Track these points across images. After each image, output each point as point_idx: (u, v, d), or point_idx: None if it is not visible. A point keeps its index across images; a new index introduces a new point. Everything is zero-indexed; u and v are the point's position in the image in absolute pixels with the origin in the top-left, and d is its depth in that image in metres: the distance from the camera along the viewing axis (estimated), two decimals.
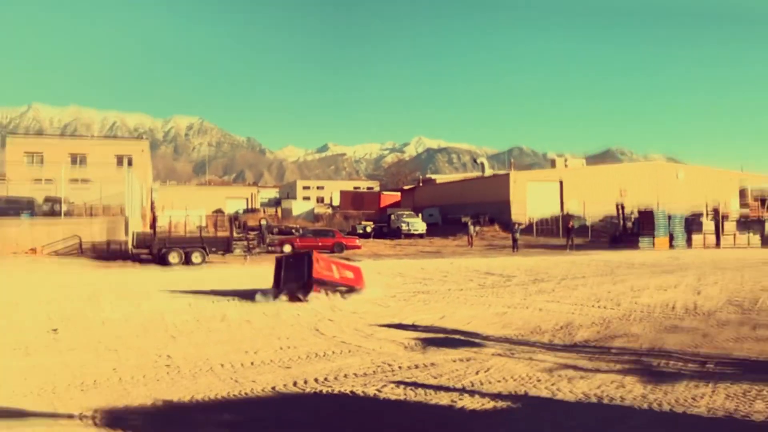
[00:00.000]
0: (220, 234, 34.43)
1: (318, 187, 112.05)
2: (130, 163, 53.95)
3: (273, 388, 7.36)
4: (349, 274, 14.88)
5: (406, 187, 77.05)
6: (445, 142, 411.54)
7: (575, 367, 8.11)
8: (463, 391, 7.08)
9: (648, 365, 8.27)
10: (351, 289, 14.57)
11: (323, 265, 14.27)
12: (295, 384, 7.51)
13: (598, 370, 7.97)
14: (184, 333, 10.89)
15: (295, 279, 14.23)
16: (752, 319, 11.65)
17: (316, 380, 7.64)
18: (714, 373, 7.79)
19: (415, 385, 7.38)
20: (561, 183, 54.16)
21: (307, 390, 7.31)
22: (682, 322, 11.47)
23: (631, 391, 6.99)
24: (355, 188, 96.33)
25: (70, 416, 6.37)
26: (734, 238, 36.85)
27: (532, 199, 51.97)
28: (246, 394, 7.14)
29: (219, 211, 64.50)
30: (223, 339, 10.35)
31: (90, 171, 50.47)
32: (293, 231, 42.58)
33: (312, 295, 13.88)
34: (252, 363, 8.58)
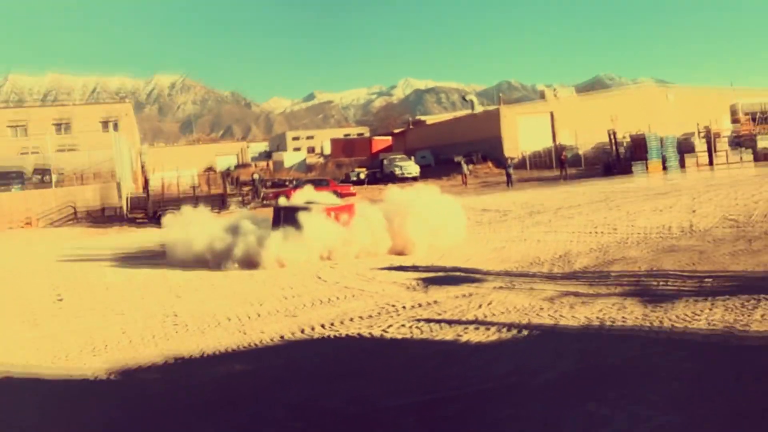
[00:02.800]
0: (213, 191, 34.33)
1: (308, 137, 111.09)
2: (115, 127, 53.20)
3: (281, 336, 7.49)
4: (345, 217, 14.92)
5: (396, 131, 76.46)
6: (433, 81, 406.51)
7: (576, 294, 8.24)
8: (467, 325, 7.21)
9: (647, 286, 8.41)
10: None
11: None
12: (302, 331, 7.63)
13: (598, 295, 8.10)
14: (188, 291, 10.99)
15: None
16: (747, 233, 11.78)
17: (322, 326, 7.77)
18: (712, 288, 7.93)
19: (419, 322, 7.50)
20: (552, 115, 53.75)
21: (315, 336, 7.44)
22: (679, 242, 11.60)
23: (632, 312, 7.12)
24: (345, 135, 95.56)
25: (85, 378, 6.48)
26: (727, 156, 36.85)
27: (523, 133, 51.67)
28: (255, 344, 7.27)
29: (210, 169, 64.03)
30: (227, 293, 10.46)
31: (76, 137, 49.94)
32: (287, 183, 42.48)
33: None
34: (258, 314, 8.69)
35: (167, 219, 16.44)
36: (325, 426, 4.83)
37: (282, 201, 16.41)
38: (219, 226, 14.76)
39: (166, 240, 15.48)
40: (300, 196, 16.49)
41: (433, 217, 13.83)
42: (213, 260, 13.26)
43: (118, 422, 5.25)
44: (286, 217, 13.71)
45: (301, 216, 13.28)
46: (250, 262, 12.63)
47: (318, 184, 35.86)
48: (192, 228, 14.61)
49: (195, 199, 27.52)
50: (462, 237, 14.51)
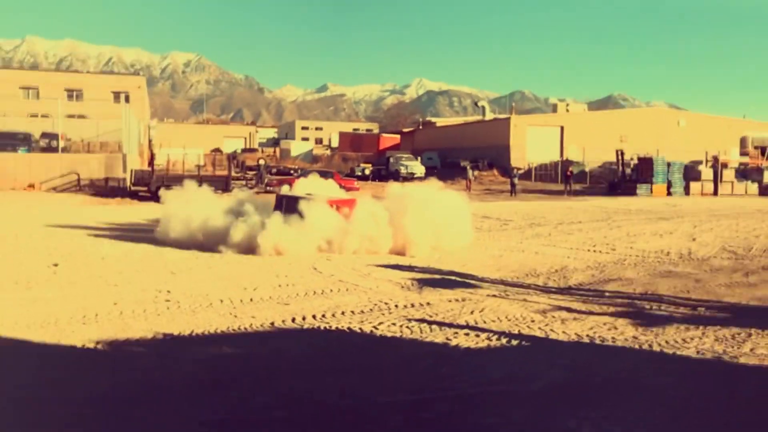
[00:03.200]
0: (218, 173, 34.36)
1: (317, 128, 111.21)
2: (127, 100, 53.27)
3: (271, 323, 7.50)
4: (346, 211, 14.91)
5: (405, 130, 76.45)
6: (447, 84, 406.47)
7: (569, 309, 8.25)
8: (458, 329, 7.22)
9: (640, 308, 8.42)
10: None
11: None
12: (293, 320, 7.65)
13: (591, 313, 8.11)
14: (183, 269, 11.01)
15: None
16: (745, 266, 11.79)
17: (313, 317, 7.78)
18: (705, 317, 7.94)
19: (411, 322, 7.52)
20: (561, 128, 53.74)
21: (305, 326, 7.45)
22: (676, 268, 11.60)
23: (623, 332, 7.13)
24: (354, 130, 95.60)
25: (73, 346, 6.50)
26: (732, 186, 36.85)
27: (531, 144, 51.66)
28: (245, 328, 7.28)
29: (217, 150, 64.12)
30: (222, 276, 10.48)
31: (86, 106, 49.92)
32: (291, 171, 42.47)
33: None
34: (251, 299, 8.71)
35: (166, 194, 16.22)
36: (312, 416, 4.85)
37: (285, 189, 16.36)
38: (219, 206, 14.63)
39: (161, 215, 15.21)
40: (303, 185, 16.45)
41: (438, 217, 13.62)
42: (208, 241, 13.15)
43: (102, 394, 5.26)
44: (288, 206, 13.71)
45: (303, 205, 13.27)
46: (247, 247, 12.62)
47: (322, 175, 35.91)
48: (191, 205, 14.40)
49: (199, 179, 27.49)
50: (469, 239, 14.41)
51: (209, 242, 13.14)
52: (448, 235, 13.70)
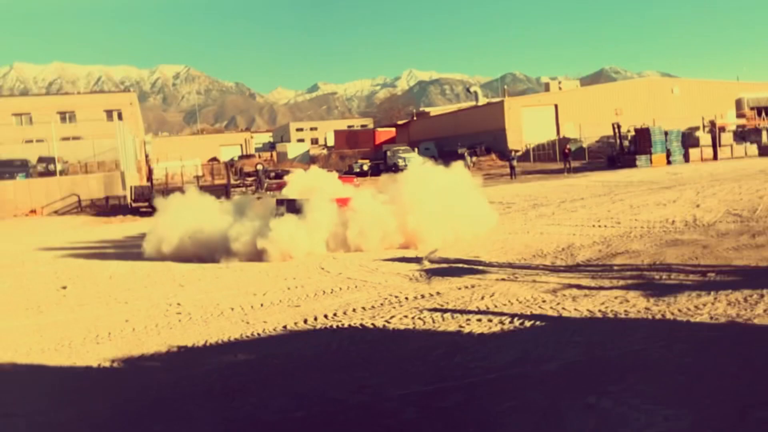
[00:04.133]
0: (217, 182, 34.39)
1: (311, 129, 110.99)
2: (120, 117, 53.15)
3: (284, 326, 7.51)
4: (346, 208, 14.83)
5: (400, 123, 76.33)
6: (437, 73, 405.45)
7: (579, 287, 8.24)
8: (469, 316, 7.22)
9: (650, 279, 8.41)
10: None
11: None
12: (305, 321, 7.66)
13: (601, 288, 8.11)
14: (191, 281, 11.03)
15: None
16: (751, 228, 11.76)
17: (325, 316, 7.79)
18: (715, 282, 7.93)
19: (422, 313, 7.52)
20: (556, 107, 53.64)
21: (318, 326, 7.46)
22: (682, 236, 11.58)
23: (635, 305, 7.13)
24: (348, 127, 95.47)
25: (89, 367, 6.52)
26: (731, 149, 36.74)
27: (527, 125, 51.57)
28: (258, 334, 7.29)
29: (214, 159, 64.16)
30: (230, 284, 10.49)
31: (80, 127, 49.93)
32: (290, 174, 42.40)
33: None
34: (261, 304, 8.72)
35: (159, 203, 15.75)
36: (328, 415, 4.85)
37: (285, 192, 16.22)
38: (215, 214, 14.29)
39: (149, 229, 14.69)
40: (298, 179, 16.08)
41: (448, 207, 13.25)
42: (208, 252, 12.89)
43: (121, 411, 5.28)
44: (288, 209, 13.66)
45: (302, 206, 13.17)
46: (253, 255, 12.44)
47: None
48: (184, 217, 13.97)
49: (199, 190, 27.52)
50: (492, 224, 14.21)
51: (209, 253, 12.89)
52: (466, 222, 13.36)
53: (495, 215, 14.87)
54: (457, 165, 15.39)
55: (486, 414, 4.65)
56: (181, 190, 27.88)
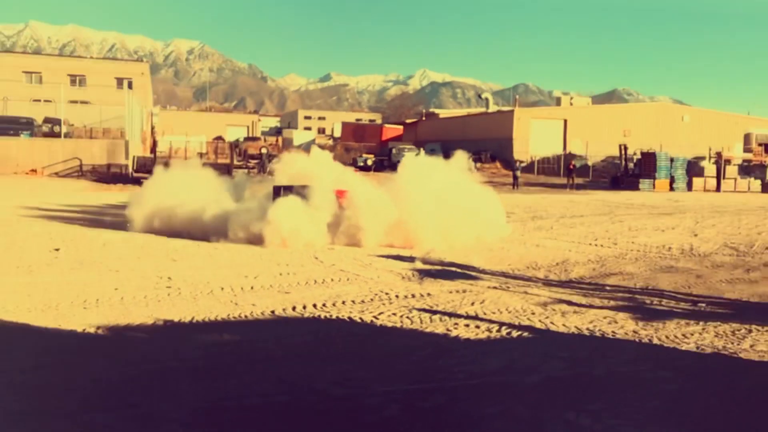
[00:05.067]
0: (220, 161, 34.34)
1: (319, 118, 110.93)
2: (130, 86, 53.10)
3: (272, 311, 7.51)
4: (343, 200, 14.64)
5: (408, 121, 76.27)
6: (450, 76, 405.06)
7: (569, 302, 8.25)
8: (458, 320, 7.23)
9: (641, 303, 8.41)
10: None
11: None
12: (294, 308, 7.66)
13: (591, 306, 8.11)
14: (184, 256, 11.02)
15: None
16: (746, 262, 11.78)
17: (314, 305, 7.79)
18: (705, 312, 7.93)
19: (411, 312, 7.52)
20: (565, 122, 53.64)
21: (306, 314, 7.46)
22: (677, 263, 11.60)
23: (623, 326, 7.13)
24: (357, 120, 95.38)
25: (74, 331, 6.52)
26: (735, 183, 36.75)
27: (535, 137, 51.55)
28: (245, 316, 7.29)
29: (219, 138, 63.97)
30: (223, 263, 10.49)
31: (89, 92, 49.91)
32: None
33: None
34: (252, 287, 8.72)
35: (157, 170, 15.21)
36: (311, 404, 4.86)
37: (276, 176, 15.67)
38: (212, 190, 14.04)
39: (141, 197, 14.28)
40: (290, 164, 15.28)
41: (448, 208, 12.98)
42: (202, 231, 12.70)
43: (102, 378, 5.28)
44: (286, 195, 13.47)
45: (301, 193, 12.95)
46: (251, 239, 12.30)
47: None
48: (181, 189, 13.64)
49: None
50: (503, 232, 14.11)
51: (202, 231, 12.71)
52: (470, 226, 13.15)
53: (506, 225, 14.67)
54: (459, 156, 15.04)
55: (467, 418, 4.66)
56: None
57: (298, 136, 71.92)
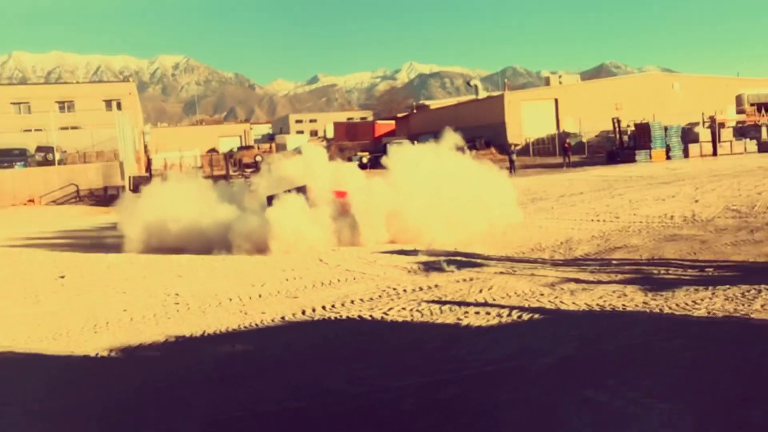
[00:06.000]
0: (216, 173, 34.35)
1: (311, 120, 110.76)
2: (119, 107, 53.01)
3: (282, 317, 7.51)
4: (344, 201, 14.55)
5: (400, 115, 76.14)
6: (438, 66, 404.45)
7: (577, 281, 8.24)
8: (467, 309, 7.23)
9: (648, 274, 8.41)
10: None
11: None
12: (303, 312, 7.66)
13: (599, 282, 8.11)
14: (189, 271, 11.02)
15: None
16: (749, 223, 11.77)
17: (323, 308, 7.79)
18: (713, 277, 7.93)
19: (420, 305, 7.52)
20: (556, 101, 53.52)
21: (315, 317, 7.46)
22: (681, 231, 11.59)
23: (633, 299, 7.13)
24: (348, 119, 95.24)
25: (87, 356, 6.52)
26: (731, 145, 36.68)
27: (527, 119, 51.46)
28: (256, 324, 7.30)
29: (213, 150, 63.94)
30: (228, 274, 10.49)
31: (79, 117, 49.83)
32: None
33: None
34: (259, 295, 8.72)
35: (146, 190, 14.69)
36: (325, 405, 4.86)
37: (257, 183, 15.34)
38: (206, 202, 13.77)
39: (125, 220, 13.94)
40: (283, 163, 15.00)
41: (457, 202, 12.72)
42: (204, 244, 12.53)
43: (118, 399, 5.28)
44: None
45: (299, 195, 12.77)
46: (254, 249, 12.11)
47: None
48: (175, 203, 13.40)
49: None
50: (515, 218, 13.80)
51: (204, 245, 12.53)
52: (475, 215, 12.83)
53: (517, 210, 14.31)
54: (449, 136, 14.50)
55: (483, 406, 4.66)
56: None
57: (292, 141, 71.81)
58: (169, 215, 13.35)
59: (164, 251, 12.92)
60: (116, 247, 13.63)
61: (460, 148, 14.73)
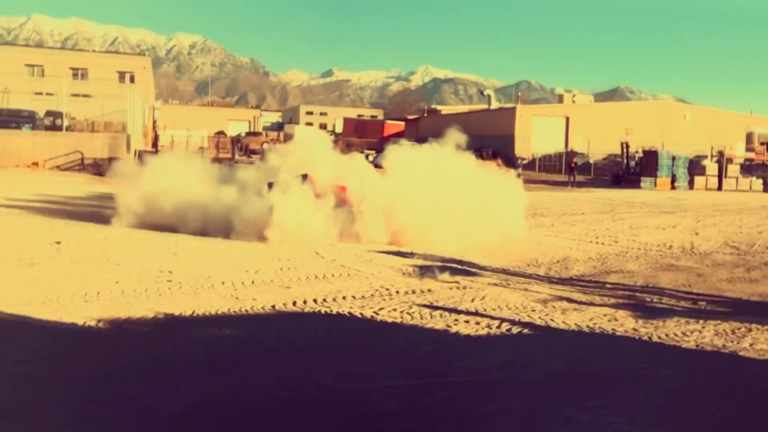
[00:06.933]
0: (222, 156, 34.36)
1: (321, 113, 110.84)
2: (132, 80, 53.19)
3: (273, 306, 7.52)
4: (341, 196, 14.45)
5: (410, 117, 76.19)
6: (452, 72, 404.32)
7: (569, 300, 8.25)
8: (458, 316, 7.23)
9: (641, 301, 8.42)
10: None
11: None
12: (294, 303, 7.67)
13: (591, 303, 8.12)
14: (185, 251, 11.02)
15: None
16: (747, 261, 11.77)
17: (315, 301, 7.80)
18: (705, 311, 7.94)
19: (412, 308, 7.53)
20: (567, 119, 53.55)
21: (306, 309, 7.47)
22: (678, 261, 11.59)
23: (623, 324, 7.14)
24: (358, 116, 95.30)
25: (75, 324, 6.53)
26: (737, 182, 36.67)
27: (536, 134, 51.48)
28: (246, 311, 7.30)
29: (221, 133, 63.99)
30: (224, 258, 10.49)
31: (91, 86, 49.82)
32: None
33: None
34: (252, 282, 8.73)
35: (148, 160, 14.80)
36: (311, 399, 4.87)
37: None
38: (209, 182, 13.55)
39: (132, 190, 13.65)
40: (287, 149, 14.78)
41: (457, 206, 12.43)
42: (201, 225, 12.41)
43: (102, 371, 5.29)
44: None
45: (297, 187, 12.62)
46: (253, 236, 11.95)
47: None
48: (173, 180, 13.14)
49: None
50: (521, 230, 13.60)
51: (200, 226, 12.41)
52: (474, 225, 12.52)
53: (522, 224, 14.04)
54: (452, 136, 13.89)
55: (467, 414, 4.67)
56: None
57: (300, 132, 71.81)
58: (167, 190, 13.08)
59: (158, 228, 12.85)
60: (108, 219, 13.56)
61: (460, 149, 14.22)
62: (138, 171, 14.55)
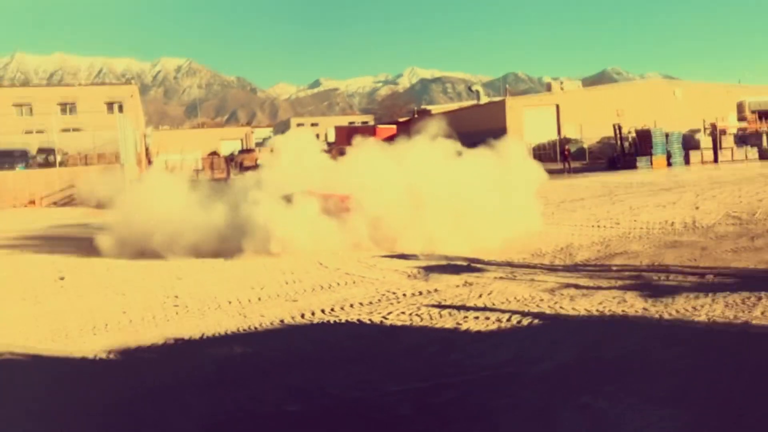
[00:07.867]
0: (217, 176, 34.34)
1: (312, 124, 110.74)
2: (120, 109, 53.16)
3: (281, 320, 7.51)
4: (343, 205, 14.49)
5: (401, 120, 76.33)
6: (439, 71, 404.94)
7: (576, 286, 8.24)
8: (466, 314, 7.22)
9: (648, 280, 8.41)
10: None
11: None
12: (302, 316, 7.65)
13: (599, 288, 8.10)
14: (189, 273, 11.01)
15: None
16: (750, 230, 11.76)
17: (322, 311, 7.78)
18: (713, 284, 7.92)
19: (420, 309, 7.51)
20: (557, 107, 53.60)
21: (315, 321, 7.46)
22: (681, 238, 11.58)
23: (633, 305, 7.12)
24: (350, 123, 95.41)
25: (85, 357, 6.51)
26: (732, 153, 36.68)
27: (528, 125, 51.51)
28: (255, 327, 7.29)
29: (214, 153, 64.11)
30: (227, 277, 10.48)
31: (81, 118, 49.89)
32: None
33: None
34: (259, 298, 8.71)
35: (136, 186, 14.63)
36: (324, 409, 4.85)
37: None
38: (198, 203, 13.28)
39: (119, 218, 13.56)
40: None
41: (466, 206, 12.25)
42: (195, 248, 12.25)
43: (117, 400, 5.27)
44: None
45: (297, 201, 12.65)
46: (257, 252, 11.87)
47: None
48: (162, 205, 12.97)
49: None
50: (536, 224, 13.22)
51: (197, 249, 12.27)
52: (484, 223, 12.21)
53: (538, 216, 13.66)
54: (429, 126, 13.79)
55: (481, 411, 4.65)
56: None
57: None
58: (163, 215, 12.82)
59: (156, 255, 12.66)
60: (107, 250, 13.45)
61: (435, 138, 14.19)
62: (133, 199, 14.43)
